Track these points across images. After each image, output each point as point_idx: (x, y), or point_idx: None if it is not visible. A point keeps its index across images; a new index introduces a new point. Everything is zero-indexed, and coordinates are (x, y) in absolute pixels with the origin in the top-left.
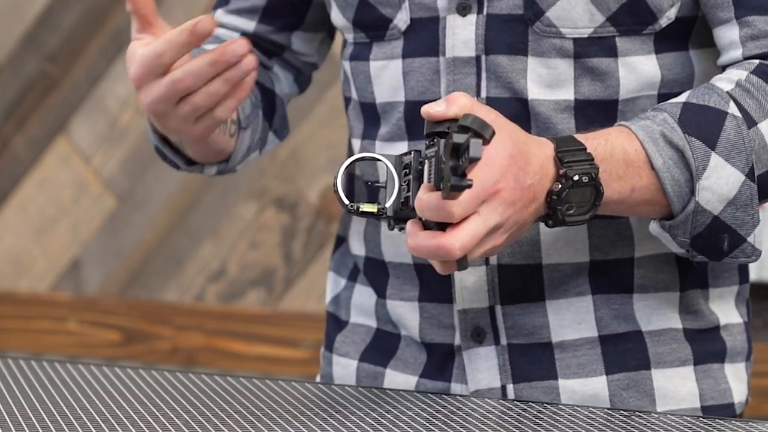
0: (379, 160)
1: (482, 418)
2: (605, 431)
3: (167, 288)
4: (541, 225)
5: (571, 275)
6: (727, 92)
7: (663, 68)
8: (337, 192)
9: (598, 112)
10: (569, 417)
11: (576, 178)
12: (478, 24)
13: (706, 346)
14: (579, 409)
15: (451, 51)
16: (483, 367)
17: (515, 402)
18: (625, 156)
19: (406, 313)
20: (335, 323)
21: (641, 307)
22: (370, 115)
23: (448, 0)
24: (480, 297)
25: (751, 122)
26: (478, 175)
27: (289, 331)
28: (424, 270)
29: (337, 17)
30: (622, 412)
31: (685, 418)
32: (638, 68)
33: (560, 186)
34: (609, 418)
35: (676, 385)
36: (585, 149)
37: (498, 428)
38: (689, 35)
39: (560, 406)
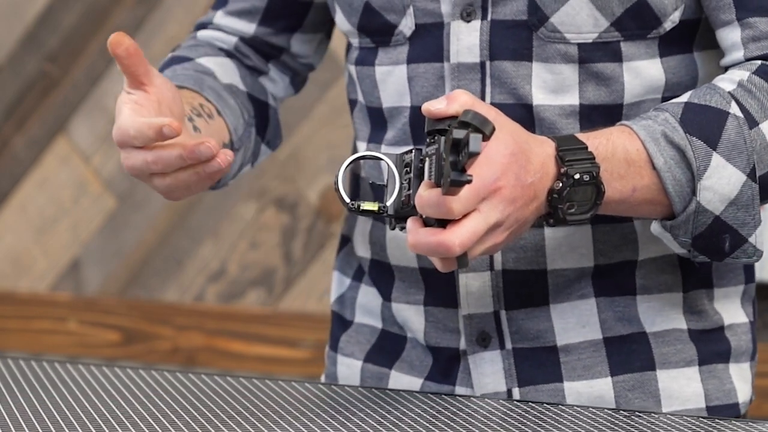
0: (380, 158)
1: (485, 419)
2: (607, 431)
3: (167, 288)
4: (546, 231)
5: (574, 279)
6: (729, 92)
7: (668, 72)
8: (338, 190)
9: (603, 116)
10: (572, 417)
11: (577, 176)
12: (483, 30)
13: (710, 347)
14: (581, 409)
15: (455, 57)
16: (488, 372)
17: (518, 402)
18: (626, 155)
19: (412, 317)
20: (340, 323)
21: (645, 308)
22: (377, 119)
23: (453, 6)
24: (485, 302)
25: (752, 122)
26: (478, 172)
27: (289, 331)
28: (429, 274)
29: (342, 22)
30: (623, 412)
31: (686, 417)
32: (643, 72)
33: (561, 184)
34: (611, 418)
35: (681, 386)
36: (586, 148)
37: (501, 429)
38: (693, 38)
39: (563, 406)
